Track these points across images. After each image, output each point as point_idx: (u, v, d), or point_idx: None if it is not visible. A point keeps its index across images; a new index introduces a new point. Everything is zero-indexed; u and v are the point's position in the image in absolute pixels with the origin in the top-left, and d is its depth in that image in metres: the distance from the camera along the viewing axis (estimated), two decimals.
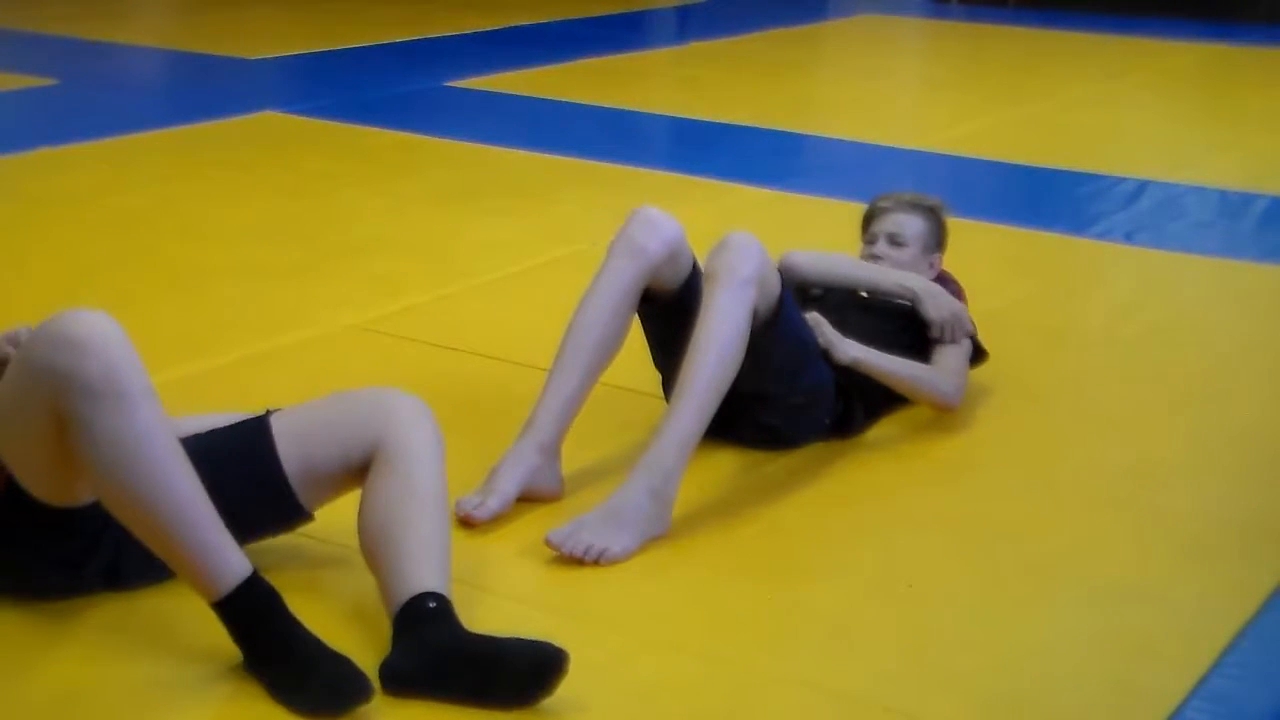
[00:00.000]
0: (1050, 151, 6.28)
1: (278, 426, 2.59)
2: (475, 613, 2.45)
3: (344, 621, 2.48)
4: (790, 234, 4.69)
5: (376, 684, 2.28)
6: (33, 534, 2.46)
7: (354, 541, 2.58)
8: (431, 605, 2.37)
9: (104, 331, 2.27)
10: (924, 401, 3.42)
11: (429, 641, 2.33)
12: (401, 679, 2.30)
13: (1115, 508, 3.12)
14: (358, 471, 2.55)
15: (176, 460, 2.29)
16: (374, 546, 2.47)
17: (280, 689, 2.28)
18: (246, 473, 2.53)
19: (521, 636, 2.32)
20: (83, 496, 2.41)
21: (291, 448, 2.56)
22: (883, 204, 3.69)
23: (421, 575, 2.40)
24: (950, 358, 3.44)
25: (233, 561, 2.29)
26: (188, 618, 2.49)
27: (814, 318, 3.30)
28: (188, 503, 2.27)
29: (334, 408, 2.63)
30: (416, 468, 2.51)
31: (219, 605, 2.30)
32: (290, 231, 4.82)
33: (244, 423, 2.56)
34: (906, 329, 3.43)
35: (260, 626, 2.30)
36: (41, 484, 2.39)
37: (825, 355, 3.26)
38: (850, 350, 3.26)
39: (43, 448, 2.33)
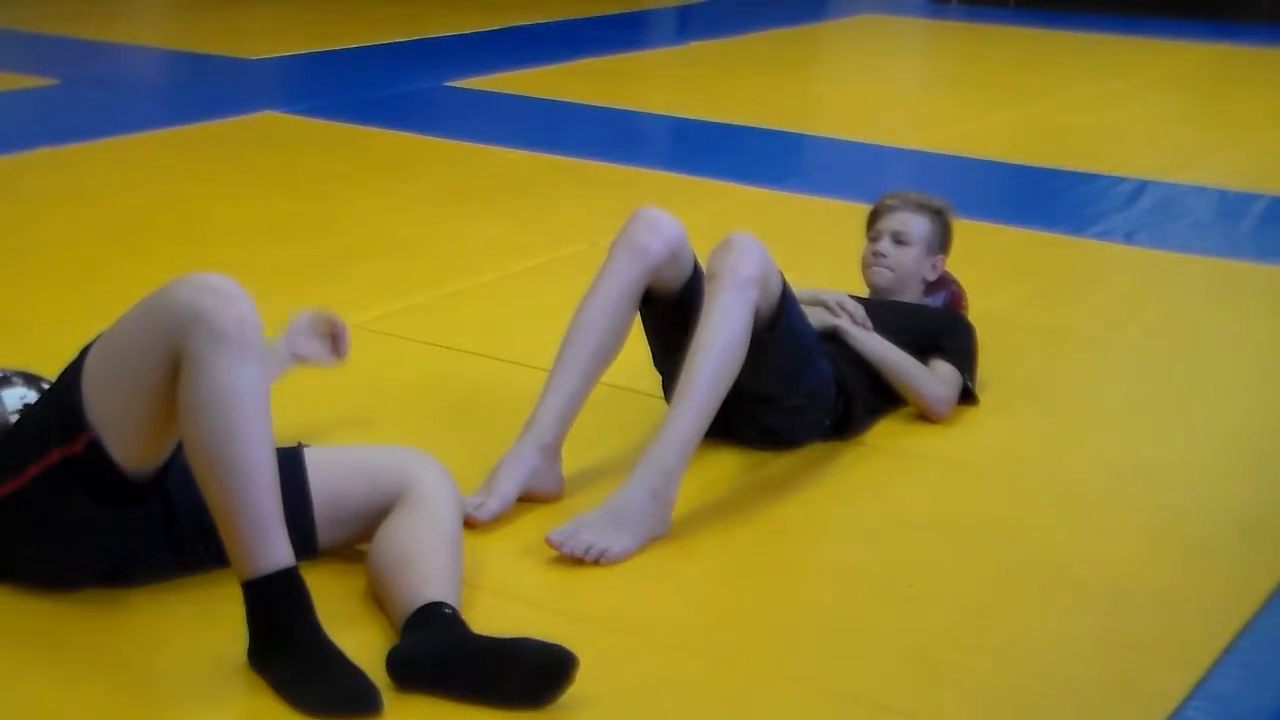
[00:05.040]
0: (1050, 151, 6.28)
1: (309, 459, 2.63)
2: (475, 613, 2.45)
3: (343, 625, 2.47)
4: (790, 234, 4.70)
5: (383, 680, 2.28)
6: (58, 523, 2.47)
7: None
8: (446, 611, 2.38)
9: (245, 293, 2.38)
10: (912, 399, 3.42)
11: (441, 634, 2.34)
12: (409, 666, 2.30)
13: (1115, 508, 3.12)
14: (377, 516, 2.59)
15: (267, 430, 2.35)
16: (390, 564, 2.49)
17: (289, 684, 2.28)
18: None
19: (531, 637, 2.32)
20: (158, 455, 2.45)
21: (321, 481, 2.62)
22: (889, 202, 3.70)
23: (437, 590, 2.42)
24: (943, 368, 3.46)
25: (281, 546, 2.32)
26: (187, 617, 2.50)
27: (837, 297, 3.40)
28: (263, 472, 2.32)
29: (365, 453, 2.74)
30: (438, 511, 2.57)
31: (255, 583, 2.31)
32: (290, 231, 4.82)
33: (276, 449, 2.57)
34: (911, 342, 3.44)
35: (285, 617, 2.31)
36: (125, 429, 2.40)
37: (835, 334, 3.36)
38: (857, 335, 3.37)
39: (146, 386, 2.37)
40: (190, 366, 2.32)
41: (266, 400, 2.36)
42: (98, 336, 2.47)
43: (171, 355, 2.34)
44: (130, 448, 2.42)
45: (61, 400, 2.45)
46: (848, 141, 6.46)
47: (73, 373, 2.45)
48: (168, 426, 2.39)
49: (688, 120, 6.85)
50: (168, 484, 2.51)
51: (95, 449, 2.40)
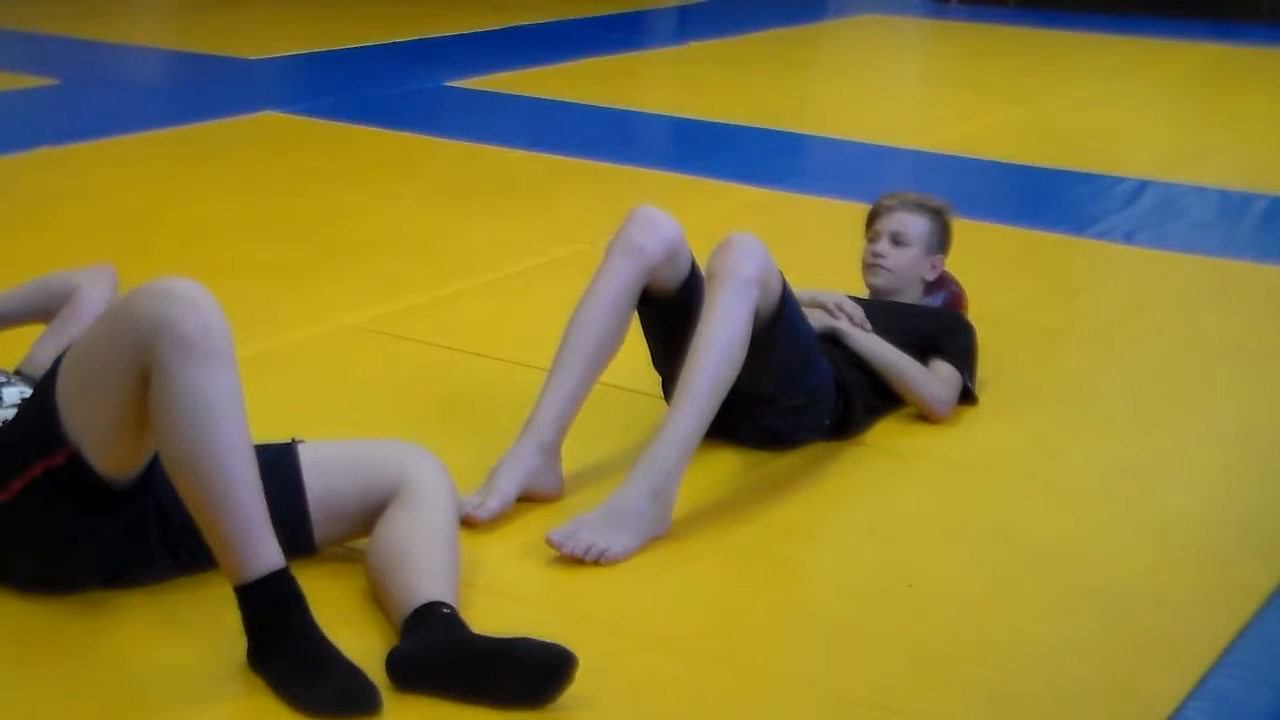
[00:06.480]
0: (1050, 151, 6.28)
1: (304, 456, 2.62)
2: (475, 613, 2.45)
3: (342, 625, 2.47)
4: (790, 234, 4.70)
5: (382, 680, 2.28)
6: (50, 533, 2.46)
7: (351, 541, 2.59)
8: (445, 611, 2.38)
9: (208, 296, 2.35)
10: (911, 399, 3.42)
11: (440, 635, 2.33)
12: (409, 667, 2.29)
13: (1115, 508, 3.12)
14: (373, 512, 2.58)
15: (244, 433, 2.32)
16: (388, 563, 2.49)
17: (288, 685, 2.27)
18: (269, 494, 2.53)
19: (530, 637, 2.32)
20: (138, 462, 2.43)
21: (315, 478, 2.60)
22: (887, 202, 3.69)
23: (435, 589, 2.41)
24: (943, 368, 3.46)
25: (269, 548, 2.31)
26: (187, 617, 2.50)
27: (835, 299, 3.40)
28: (244, 476, 2.30)
29: (360, 447, 2.71)
30: (435, 507, 2.56)
31: (245, 588, 2.30)
32: (290, 231, 4.82)
33: (270, 446, 2.56)
34: (911, 343, 3.44)
35: (280, 619, 2.30)
36: (103, 440, 2.38)
37: (834, 335, 3.36)
38: (856, 336, 3.37)
39: (118, 398, 2.34)
40: (159, 377, 2.29)
41: (240, 404, 2.32)
42: (70, 346, 2.45)
43: (139, 366, 2.31)
44: (109, 457, 2.40)
45: (38, 413, 2.42)
46: (848, 141, 6.46)
47: (47, 384, 2.42)
48: (143, 434, 2.37)
49: (688, 120, 6.85)
50: (157, 485, 2.50)
51: (75, 460, 2.39)
